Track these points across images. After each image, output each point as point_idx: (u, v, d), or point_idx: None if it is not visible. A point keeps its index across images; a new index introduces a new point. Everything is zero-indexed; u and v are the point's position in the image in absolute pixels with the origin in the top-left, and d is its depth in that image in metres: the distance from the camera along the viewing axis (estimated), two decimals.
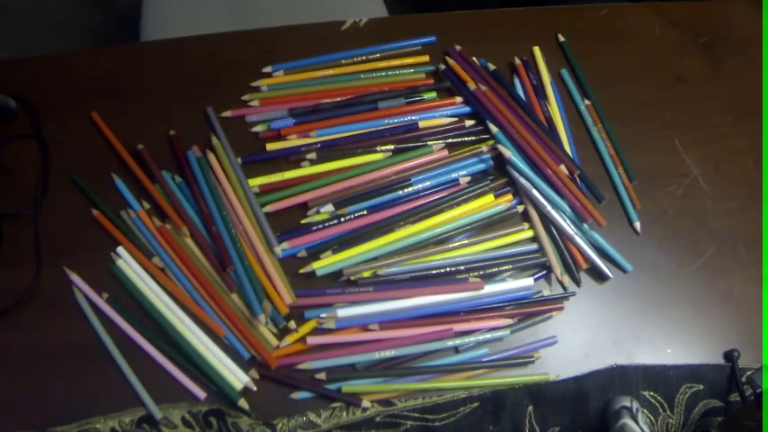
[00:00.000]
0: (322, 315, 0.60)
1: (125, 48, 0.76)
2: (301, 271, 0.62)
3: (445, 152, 0.68)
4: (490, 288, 0.62)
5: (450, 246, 0.64)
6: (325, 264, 0.62)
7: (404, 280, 0.62)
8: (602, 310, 0.64)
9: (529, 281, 0.63)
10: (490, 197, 0.67)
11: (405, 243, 0.63)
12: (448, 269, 0.63)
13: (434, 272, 0.62)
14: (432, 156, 0.68)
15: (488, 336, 0.60)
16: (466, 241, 0.65)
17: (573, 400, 0.59)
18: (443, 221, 0.65)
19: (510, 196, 0.67)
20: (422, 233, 0.64)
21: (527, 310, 0.62)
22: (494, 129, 0.68)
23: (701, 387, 0.61)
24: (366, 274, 0.62)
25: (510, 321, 0.61)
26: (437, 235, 0.64)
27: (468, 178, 0.67)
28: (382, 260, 0.62)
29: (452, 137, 0.69)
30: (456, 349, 0.61)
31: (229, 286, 0.60)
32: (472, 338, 0.60)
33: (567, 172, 0.67)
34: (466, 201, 0.66)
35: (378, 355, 0.59)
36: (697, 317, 0.64)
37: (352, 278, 0.62)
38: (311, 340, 0.59)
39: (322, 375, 0.58)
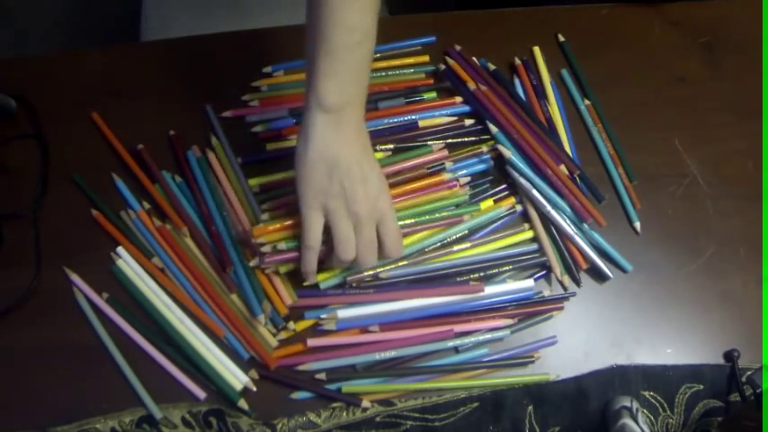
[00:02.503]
0: (322, 316, 0.60)
1: (125, 48, 0.76)
2: (305, 284, 0.61)
3: (445, 152, 0.68)
4: (490, 289, 0.62)
5: (453, 248, 0.64)
6: (328, 276, 0.61)
7: (405, 282, 0.62)
8: (602, 310, 0.64)
9: (529, 282, 0.63)
10: (489, 202, 0.66)
11: (406, 251, 0.63)
12: (448, 271, 0.63)
13: (435, 273, 0.62)
14: (432, 156, 0.67)
15: (488, 336, 0.60)
16: (468, 244, 0.64)
17: (573, 400, 0.60)
18: (444, 227, 0.64)
19: (512, 199, 0.67)
20: (423, 240, 0.63)
21: (527, 310, 0.62)
22: (493, 129, 0.68)
23: (701, 387, 0.61)
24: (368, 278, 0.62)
25: (510, 321, 0.61)
26: (438, 241, 0.64)
27: (468, 178, 0.67)
28: (384, 266, 0.62)
29: (452, 137, 0.69)
30: (456, 349, 0.61)
31: (229, 287, 0.60)
32: (472, 339, 0.60)
33: (567, 172, 0.66)
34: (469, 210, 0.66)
35: (378, 357, 0.59)
36: (697, 317, 0.64)
37: (353, 285, 0.61)
38: (311, 342, 0.59)
39: (322, 376, 0.58)
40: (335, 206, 0.54)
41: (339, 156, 0.53)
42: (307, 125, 0.54)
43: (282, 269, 0.60)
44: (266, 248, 0.58)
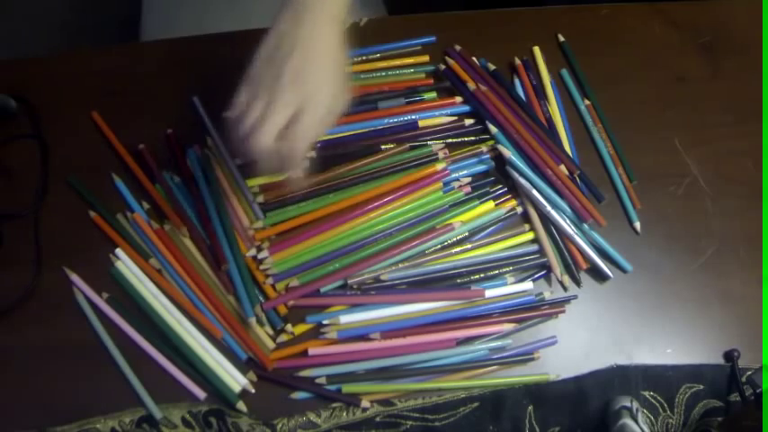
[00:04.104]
0: (324, 322, 0.60)
1: (125, 48, 0.76)
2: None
3: (445, 152, 0.68)
4: (491, 293, 0.61)
5: (453, 250, 0.64)
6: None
7: (406, 284, 0.62)
8: (602, 310, 0.64)
9: (527, 284, 0.63)
10: (490, 204, 0.66)
11: (406, 254, 0.63)
12: (450, 272, 0.62)
13: (436, 275, 0.62)
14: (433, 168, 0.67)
15: (491, 345, 0.60)
16: (468, 245, 0.64)
17: (573, 400, 0.59)
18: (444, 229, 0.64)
19: (513, 202, 0.66)
20: (424, 242, 0.63)
21: (528, 314, 0.62)
22: (493, 129, 0.68)
23: (701, 387, 0.61)
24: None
25: (512, 327, 0.61)
26: (439, 243, 0.64)
27: (469, 179, 0.67)
28: (384, 267, 0.62)
29: (452, 137, 0.69)
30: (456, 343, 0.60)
31: (227, 287, 0.60)
32: (474, 347, 0.60)
33: (566, 172, 0.66)
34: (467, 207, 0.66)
35: (379, 365, 0.59)
36: (697, 317, 0.64)
37: (354, 287, 0.61)
38: (313, 351, 0.59)
39: (322, 380, 0.58)
40: (261, 75, 0.51)
41: (293, 46, 0.50)
42: (274, 21, 0.52)
43: (280, 286, 0.61)
44: (271, 269, 0.60)
